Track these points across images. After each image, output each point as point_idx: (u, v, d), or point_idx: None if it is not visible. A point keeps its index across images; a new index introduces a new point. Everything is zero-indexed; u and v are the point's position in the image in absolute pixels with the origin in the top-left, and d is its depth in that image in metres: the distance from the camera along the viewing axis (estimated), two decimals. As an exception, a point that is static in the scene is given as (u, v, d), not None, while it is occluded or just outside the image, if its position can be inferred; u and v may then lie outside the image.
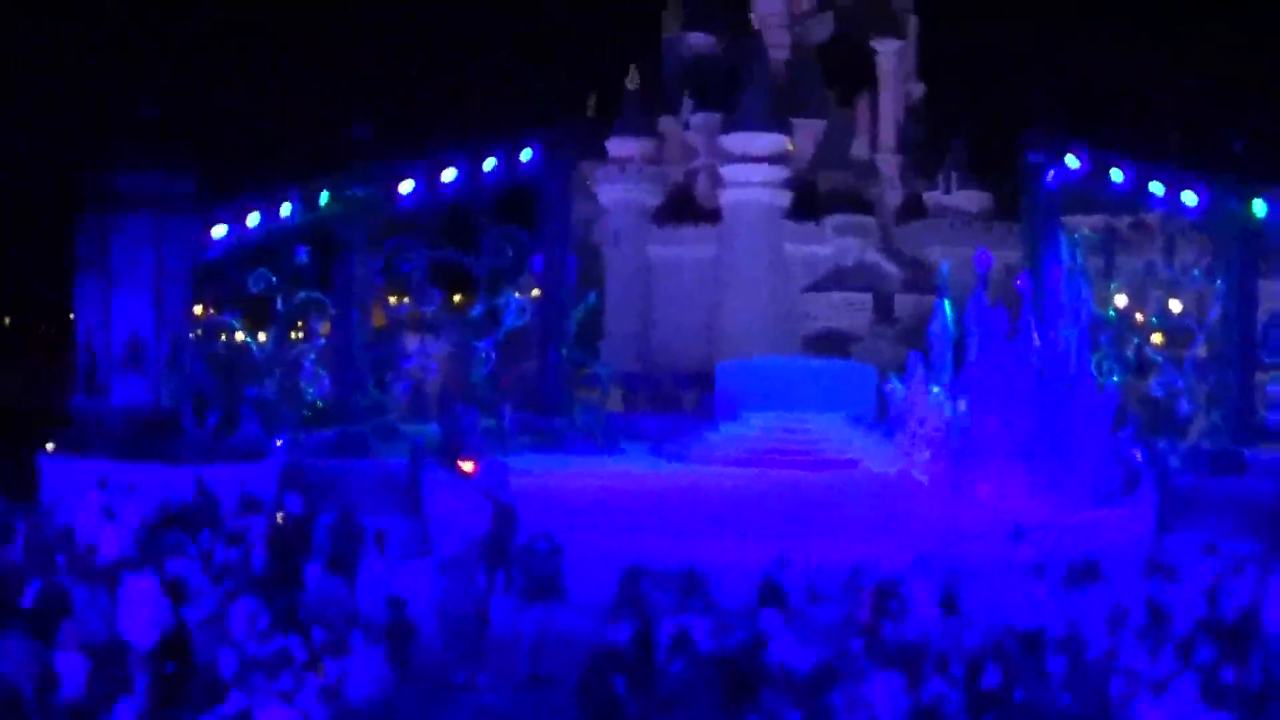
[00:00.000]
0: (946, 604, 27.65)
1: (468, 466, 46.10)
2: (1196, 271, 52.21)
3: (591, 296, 62.19)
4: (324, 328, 50.69)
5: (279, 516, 33.41)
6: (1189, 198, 49.74)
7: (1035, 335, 51.01)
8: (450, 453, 48.02)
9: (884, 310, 76.97)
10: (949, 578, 29.16)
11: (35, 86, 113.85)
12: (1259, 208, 47.64)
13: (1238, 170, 49.21)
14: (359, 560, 30.51)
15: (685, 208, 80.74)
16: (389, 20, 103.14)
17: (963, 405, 50.79)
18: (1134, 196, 53.35)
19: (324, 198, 49.77)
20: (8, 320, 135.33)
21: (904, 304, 76.45)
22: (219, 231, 48.73)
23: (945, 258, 63.91)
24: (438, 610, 27.32)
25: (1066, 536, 33.53)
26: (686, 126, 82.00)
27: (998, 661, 23.44)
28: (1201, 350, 51.58)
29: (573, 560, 30.70)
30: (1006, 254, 66.74)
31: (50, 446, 43.52)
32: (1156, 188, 51.26)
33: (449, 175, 52.77)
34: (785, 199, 77.42)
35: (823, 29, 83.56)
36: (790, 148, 77.58)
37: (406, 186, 51.66)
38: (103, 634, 23.69)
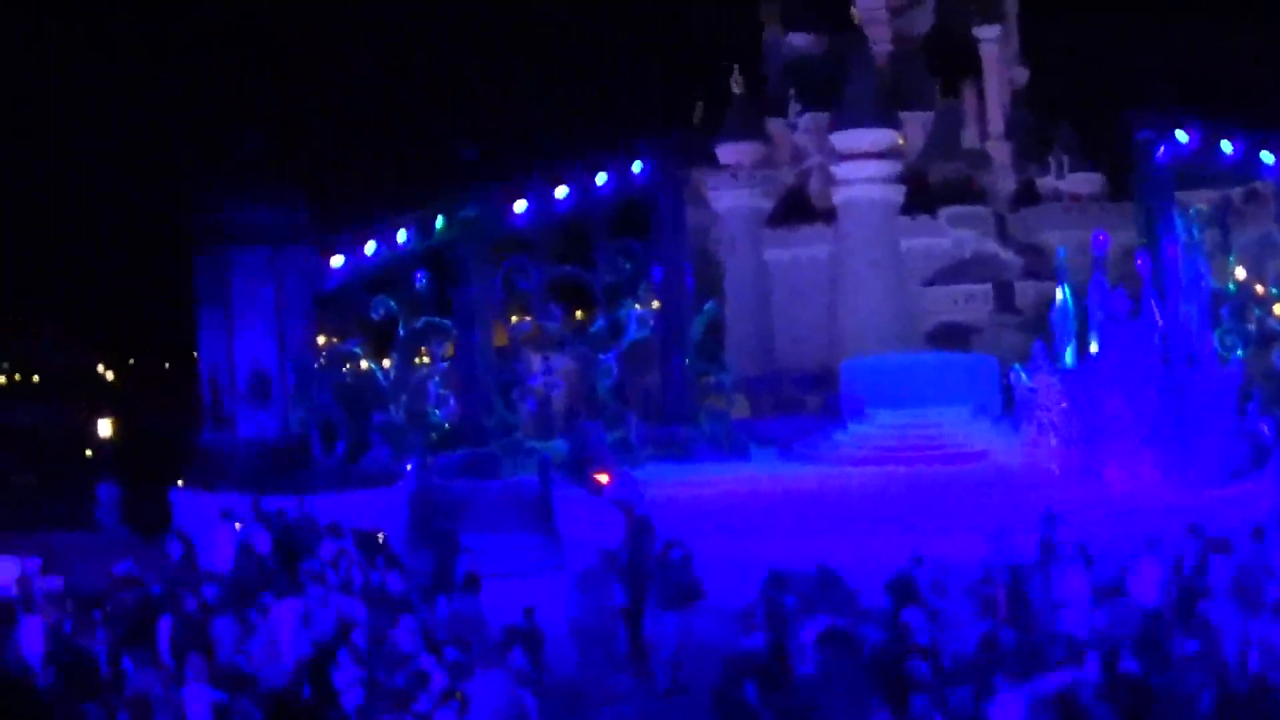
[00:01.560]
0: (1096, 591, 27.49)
1: (603, 479, 46.24)
2: (1314, 237, 51.60)
3: (710, 304, 62.19)
4: (447, 350, 51.12)
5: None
6: (1301, 164, 49.21)
7: (1157, 314, 50.65)
8: (579, 467, 48.24)
9: (1004, 300, 76.49)
10: (1082, 564, 29.05)
11: (143, 124, 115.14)
12: (1374, 166, 47.05)
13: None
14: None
15: (798, 209, 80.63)
16: (492, 40, 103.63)
17: (1087, 390, 50.51)
18: (1246, 167, 52.90)
19: (439, 222, 50.19)
20: (132, 361, 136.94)
21: (1024, 292, 75.94)
22: (337, 261, 49.29)
23: (1061, 243, 63.53)
24: (573, 624, 27.45)
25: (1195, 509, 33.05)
26: (794, 127, 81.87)
27: (1137, 648, 23.33)
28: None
29: (707, 567, 30.74)
30: (1122, 235, 66.14)
31: (181, 481, 44.07)
32: (1268, 157, 50.70)
33: (561, 192, 53.15)
34: (898, 193, 77.17)
35: (924, 20, 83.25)
36: (900, 141, 77.39)
37: (520, 206, 52.06)
38: (238, 665, 23.93)
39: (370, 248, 49.77)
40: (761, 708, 22.47)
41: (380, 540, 34.06)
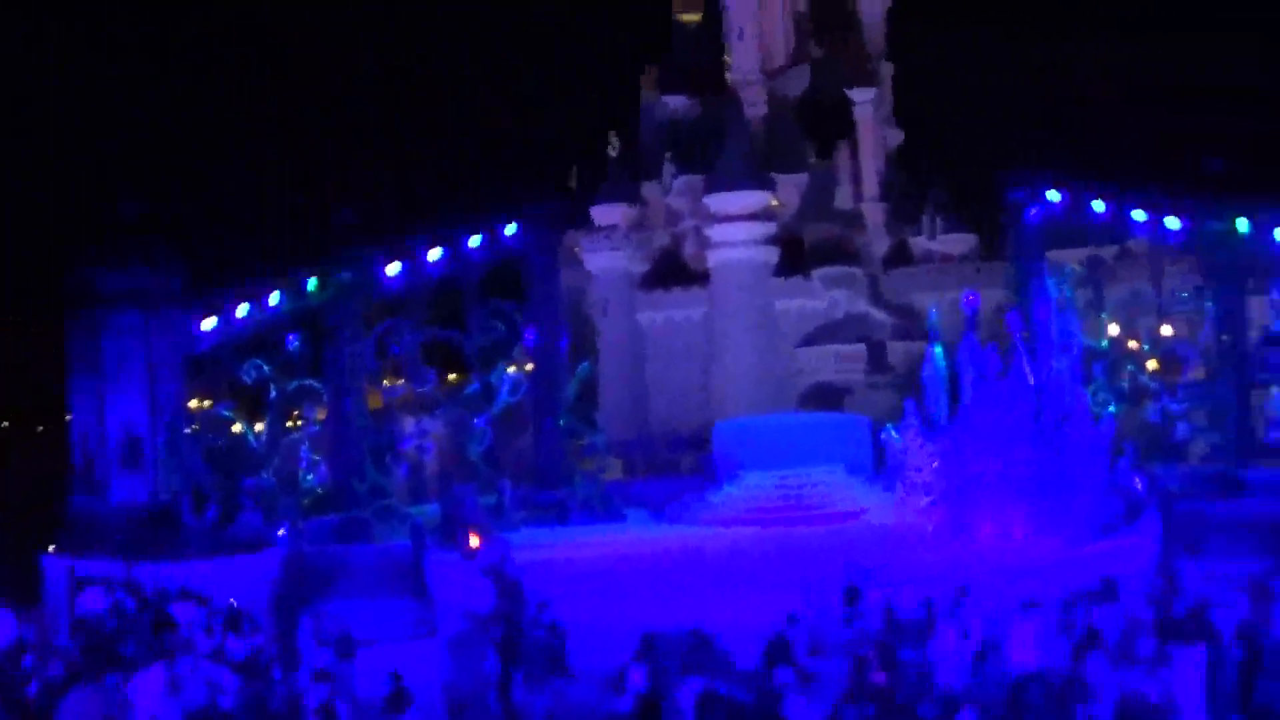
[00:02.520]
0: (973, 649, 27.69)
1: (475, 543, 46.01)
2: (1185, 295, 52.25)
3: (584, 366, 62.09)
4: (319, 414, 50.75)
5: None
6: (1171, 222, 49.79)
7: (1028, 372, 51.07)
8: (451, 532, 48.00)
9: (877, 360, 77.00)
10: (963, 622, 29.24)
11: (16, 187, 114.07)
12: (1243, 225, 47.67)
13: (1218, 192, 49.24)
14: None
15: (673, 271, 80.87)
16: (367, 101, 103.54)
17: (959, 448, 50.84)
18: (1117, 226, 53.48)
19: (311, 284, 49.86)
20: (5, 424, 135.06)
21: (896, 352, 76.51)
22: (209, 324, 48.83)
23: (934, 302, 64.01)
24: (445, 690, 27.26)
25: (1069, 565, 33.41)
26: (669, 190, 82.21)
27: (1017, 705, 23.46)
28: (1196, 373, 51.59)
29: (579, 631, 30.67)
30: (995, 293, 66.89)
31: (51, 547, 43.47)
32: (1139, 215, 51.27)
33: (434, 255, 52.93)
34: (772, 255, 77.55)
35: (798, 83, 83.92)
36: (774, 203, 77.81)
37: (393, 269, 51.79)
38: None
39: (243, 310, 49.36)
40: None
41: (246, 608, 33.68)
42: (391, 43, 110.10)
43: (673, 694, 24.45)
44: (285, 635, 34.55)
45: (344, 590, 37.76)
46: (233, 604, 33.50)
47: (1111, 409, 52.59)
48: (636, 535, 54.56)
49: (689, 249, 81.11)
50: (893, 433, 54.65)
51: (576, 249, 78.65)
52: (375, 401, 53.74)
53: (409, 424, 54.48)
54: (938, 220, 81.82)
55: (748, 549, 49.55)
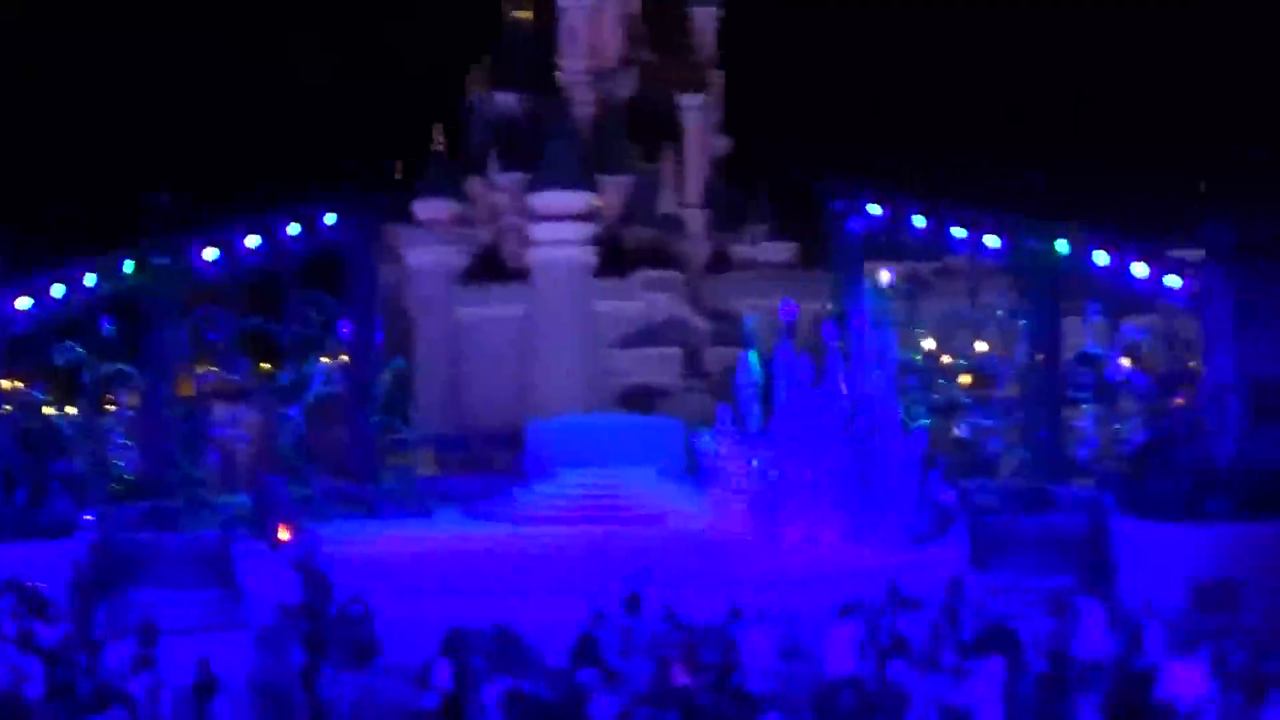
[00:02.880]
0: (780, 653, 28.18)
1: (284, 535, 45.81)
2: (1001, 312, 53.03)
3: (399, 360, 61.81)
4: (132, 399, 50.21)
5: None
6: (991, 240, 50.47)
7: (842, 382, 51.73)
8: (261, 523, 47.76)
9: (693, 364, 77.43)
10: (768, 628, 29.69)
11: None
12: (1061, 246, 48.48)
13: (1038, 212, 49.95)
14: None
15: (493, 268, 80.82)
16: (189, 85, 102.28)
17: (771, 455, 51.39)
18: (937, 241, 54.01)
19: (128, 267, 49.26)
20: None
21: (713, 357, 76.91)
22: (23, 304, 48.09)
23: (753, 310, 64.49)
24: (251, 681, 27.19)
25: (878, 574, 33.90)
26: (493, 187, 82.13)
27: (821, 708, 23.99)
28: (1009, 389, 52.40)
29: (387, 626, 30.73)
30: (814, 304, 67.44)
31: None
32: (959, 232, 51.83)
33: (253, 242, 52.44)
34: (593, 256, 77.78)
35: (627, 85, 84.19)
36: (597, 205, 78.04)
37: (210, 254, 51.25)
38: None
39: (58, 290, 48.68)
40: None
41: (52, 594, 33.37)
42: (219, 20, 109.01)
43: (478, 691, 24.65)
44: (86, 622, 34.33)
45: (152, 578, 37.44)
46: (38, 589, 33.18)
47: (924, 422, 53.36)
48: (446, 531, 54.59)
49: (511, 247, 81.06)
50: (706, 437, 55.11)
51: (397, 243, 78.35)
52: (188, 389, 53.24)
53: (221, 412, 54.04)
54: (759, 228, 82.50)
55: (556, 548, 49.73)
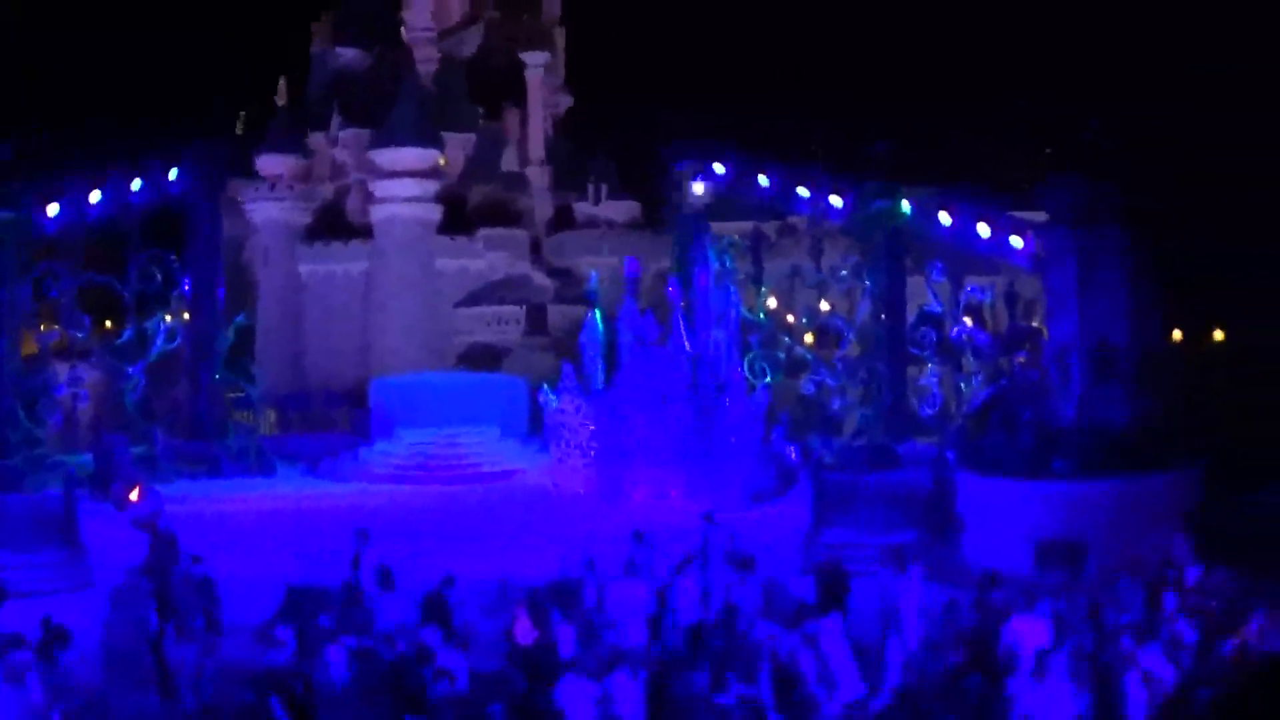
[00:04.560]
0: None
1: (134, 495, 45.59)
2: (844, 272, 53.52)
3: (241, 317, 61.38)
4: (-29, 358, 49.59)
5: None
6: (835, 200, 50.92)
7: (685, 340, 52.25)
8: (104, 482, 47.51)
9: (536, 322, 77.76)
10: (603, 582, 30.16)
11: None
12: (904, 206, 49.04)
13: (881, 173, 50.37)
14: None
15: (335, 225, 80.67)
16: (34, 30, 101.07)
17: (615, 412, 51.83)
18: (781, 201, 54.40)
19: (-33, 222, 48.58)
20: None
21: (556, 315, 77.34)
22: None
23: (595, 268, 64.65)
24: (103, 643, 27.20)
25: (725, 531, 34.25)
26: (336, 143, 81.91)
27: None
28: (852, 348, 52.97)
29: (229, 585, 30.84)
30: (657, 262, 68.04)
31: None
32: (803, 192, 52.25)
33: (95, 197, 51.93)
34: (436, 213, 77.86)
35: (472, 42, 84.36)
36: (441, 162, 78.11)
37: (52, 209, 50.69)
38: None
39: (-105, 247, 47.94)
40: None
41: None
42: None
43: (322, 650, 24.86)
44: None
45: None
46: None
47: (767, 380, 53.95)
48: (289, 490, 54.57)
49: (353, 203, 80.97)
50: (550, 395, 55.43)
51: (240, 198, 77.95)
52: (30, 347, 52.63)
53: (63, 371, 53.48)
54: (603, 187, 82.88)
55: (399, 506, 49.90)
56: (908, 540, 36.60)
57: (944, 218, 48.54)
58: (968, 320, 51.93)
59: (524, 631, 27.58)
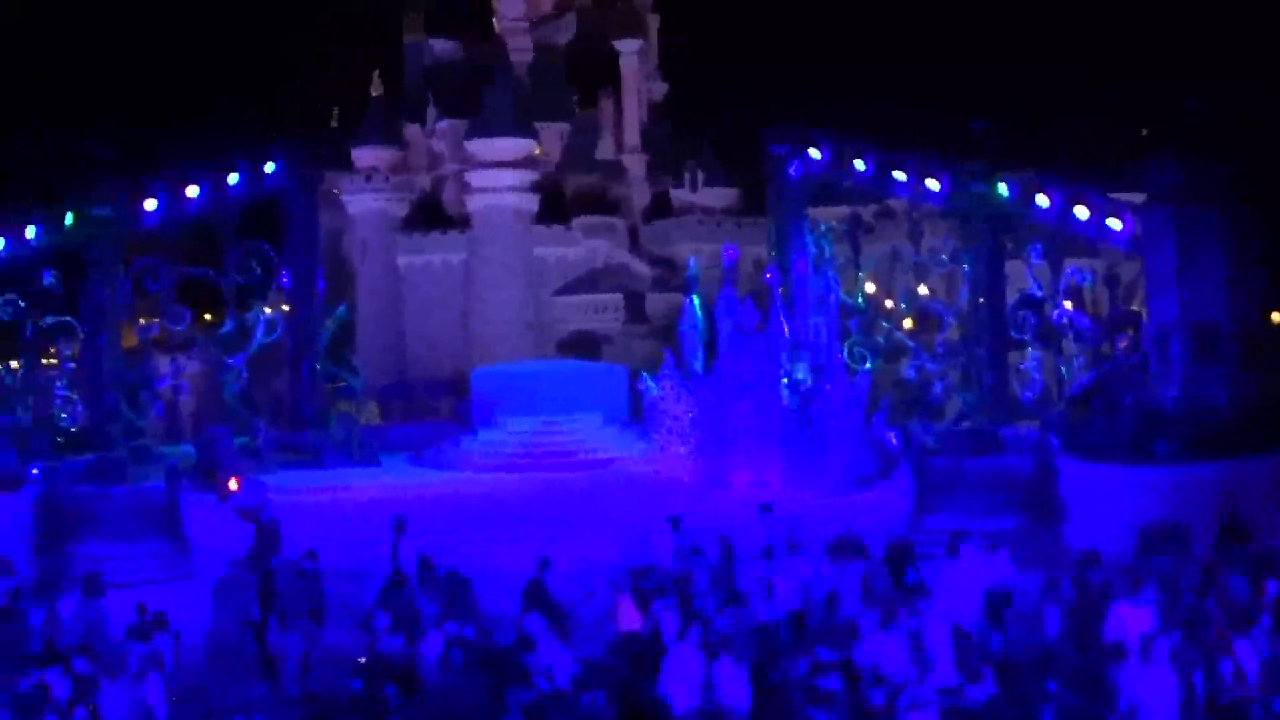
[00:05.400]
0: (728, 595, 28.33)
1: (233, 485, 45.68)
2: (944, 255, 53.11)
3: (341, 308, 61.58)
4: (74, 352, 49.99)
5: None
6: (932, 184, 50.51)
7: (784, 326, 51.91)
8: (207, 473, 47.66)
9: (635, 310, 77.51)
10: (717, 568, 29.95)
11: None
12: (1002, 189, 48.57)
13: (979, 156, 49.95)
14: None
15: (433, 215, 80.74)
16: (127, 32, 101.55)
17: (715, 399, 51.58)
18: (878, 185, 54.10)
19: (69, 219, 48.98)
20: None
21: (655, 303, 77.07)
22: (-37, 258, 47.87)
23: (693, 255, 64.37)
24: (208, 633, 27.23)
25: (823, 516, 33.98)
26: (432, 134, 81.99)
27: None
28: (952, 332, 52.52)
29: (334, 575, 30.77)
30: (755, 248, 67.75)
31: None
32: (899, 175, 51.89)
33: (192, 192, 52.26)
34: (533, 203, 77.77)
35: (565, 31, 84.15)
36: (537, 151, 78.00)
37: (150, 205, 51.02)
38: None
39: (-2, 245, 48.41)
40: (398, 708, 22.77)
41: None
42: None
43: (425, 639, 24.77)
44: (43, 577, 34.28)
45: (98, 532, 37.40)
46: None
47: (868, 365, 53.57)
48: (393, 480, 54.58)
49: (450, 194, 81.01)
50: (650, 382, 55.23)
51: (336, 190, 78.13)
52: (130, 340, 52.95)
53: (164, 364, 53.84)
54: (700, 173, 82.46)
55: (504, 494, 49.86)
56: (1010, 526, 36.23)
57: (1042, 200, 48.10)
58: (1068, 304, 51.42)
59: (628, 618, 27.38)
